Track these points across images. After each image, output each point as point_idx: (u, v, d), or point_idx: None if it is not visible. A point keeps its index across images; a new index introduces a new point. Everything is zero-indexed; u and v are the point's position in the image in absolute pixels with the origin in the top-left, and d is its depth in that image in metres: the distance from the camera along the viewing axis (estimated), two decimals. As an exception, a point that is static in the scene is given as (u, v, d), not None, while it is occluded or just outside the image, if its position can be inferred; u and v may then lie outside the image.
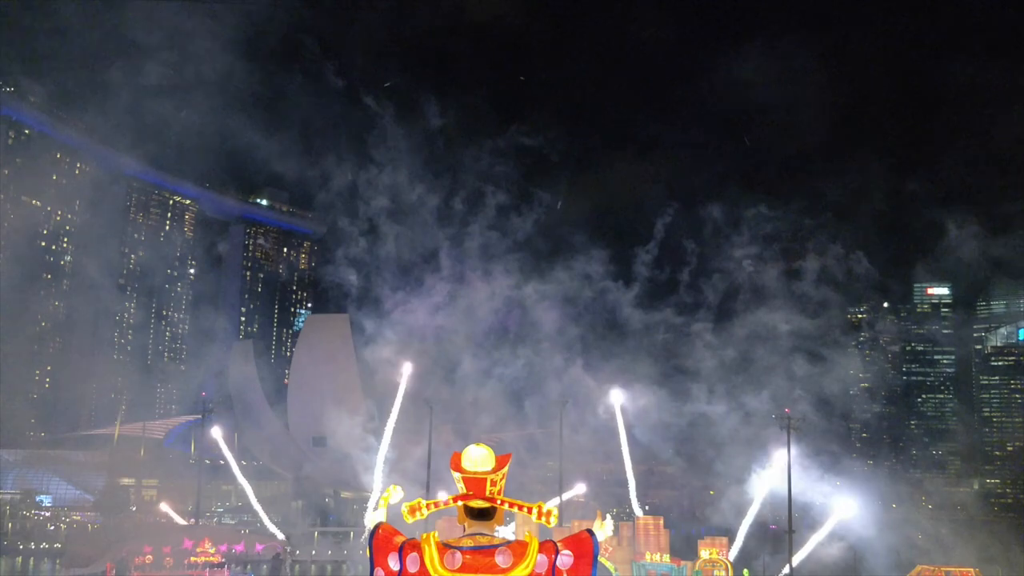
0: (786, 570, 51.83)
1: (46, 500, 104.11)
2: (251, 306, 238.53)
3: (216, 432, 72.72)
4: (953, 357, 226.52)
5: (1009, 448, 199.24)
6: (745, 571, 52.36)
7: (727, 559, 48.59)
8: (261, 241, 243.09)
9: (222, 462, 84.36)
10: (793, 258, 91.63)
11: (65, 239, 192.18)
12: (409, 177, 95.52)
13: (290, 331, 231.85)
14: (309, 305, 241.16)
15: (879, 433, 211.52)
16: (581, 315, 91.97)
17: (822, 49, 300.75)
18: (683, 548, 55.51)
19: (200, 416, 79.80)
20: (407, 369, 68.06)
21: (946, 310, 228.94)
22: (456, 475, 7.71)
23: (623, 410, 65.91)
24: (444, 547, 7.40)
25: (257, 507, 76.19)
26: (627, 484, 67.11)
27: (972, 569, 47.79)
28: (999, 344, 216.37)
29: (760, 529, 64.01)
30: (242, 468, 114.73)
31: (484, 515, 7.64)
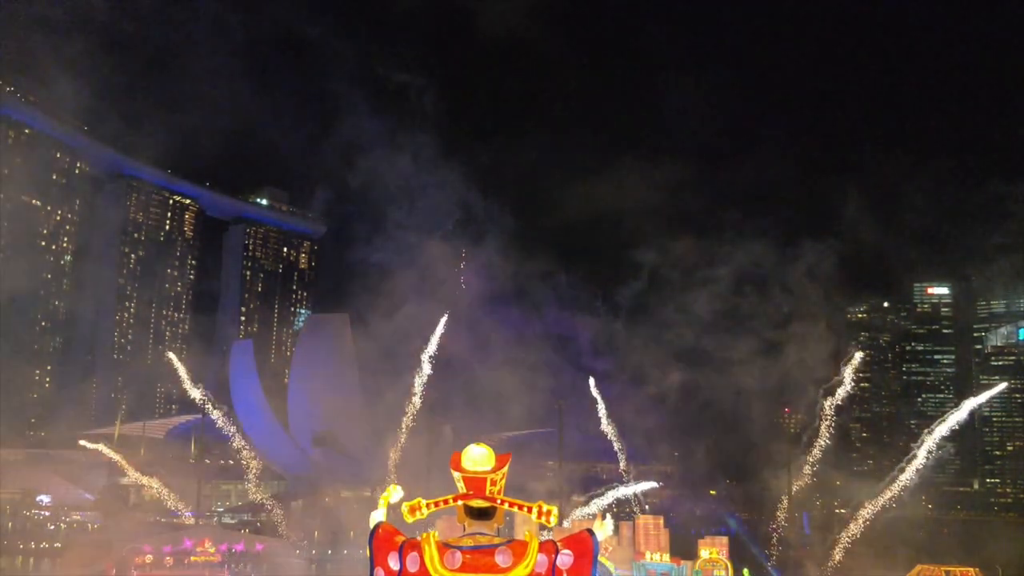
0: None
1: (46, 500, 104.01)
2: (251, 306, 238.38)
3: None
4: (953, 357, 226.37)
5: (1009, 448, 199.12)
6: (745, 571, 52.33)
7: (727, 559, 48.55)
8: (261, 241, 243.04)
9: (222, 462, 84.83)
10: (793, 259, 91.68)
11: (65, 239, 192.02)
12: (407, 182, 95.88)
13: (290, 331, 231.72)
14: (309, 305, 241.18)
15: (879, 433, 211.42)
16: (582, 317, 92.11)
17: (817, 52, 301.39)
18: (683, 548, 55.47)
19: (200, 416, 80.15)
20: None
21: (946, 310, 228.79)
22: (456, 475, 7.71)
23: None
24: (444, 547, 7.39)
25: None
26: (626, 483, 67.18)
27: (972, 569, 47.80)
28: (999, 344, 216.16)
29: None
30: (242, 468, 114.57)
31: (484, 515, 7.63)
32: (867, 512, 59.63)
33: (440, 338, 73.42)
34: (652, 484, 64.86)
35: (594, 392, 65.46)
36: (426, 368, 71.14)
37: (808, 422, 64.99)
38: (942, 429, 57.23)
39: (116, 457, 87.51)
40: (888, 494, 59.49)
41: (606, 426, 67.28)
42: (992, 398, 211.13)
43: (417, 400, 70.60)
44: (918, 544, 72.21)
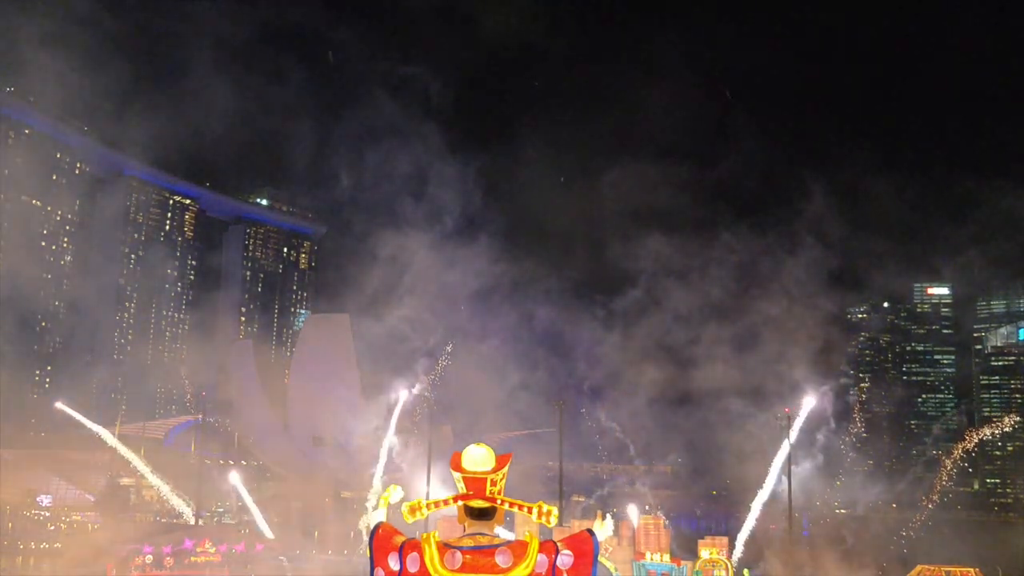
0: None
1: (46, 500, 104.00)
2: (251, 306, 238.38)
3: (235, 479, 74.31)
4: (953, 357, 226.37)
5: (1009, 448, 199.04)
6: (745, 571, 52.33)
7: (727, 559, 48.50)
8: (261, 241, 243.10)
9: (221, 462, 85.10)
10: (793, 257, 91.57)
11: (65, 239, 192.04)
12: (408, 182, 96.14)
13: (290, 331, 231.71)
14: (309, 305, 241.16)
15: (879, 433, 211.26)
16: (579, 314, 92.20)
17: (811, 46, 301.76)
18: (683, 548, 55.50)
19: (200, 416, 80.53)
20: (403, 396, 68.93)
21: (946, 310, 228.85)
22: (456, 475, 7.71)
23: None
24: (444, 547, 7.39)
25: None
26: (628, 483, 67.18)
27: (972, 569, 47.73)
28: (999, 344, 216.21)
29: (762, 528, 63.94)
30: (242, 468, 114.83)
31: (484, 515, 7.63)
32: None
33: (441, 333, 73.95)
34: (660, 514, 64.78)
35: (590, 416, 65.53)
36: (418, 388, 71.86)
37: (813, 426, 65.08)
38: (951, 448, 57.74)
39: (136, 461, 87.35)
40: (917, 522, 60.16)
41: (605, 423, 67.39)
42: (992, 398, 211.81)
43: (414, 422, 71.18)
44: (918, 544, 72.17)
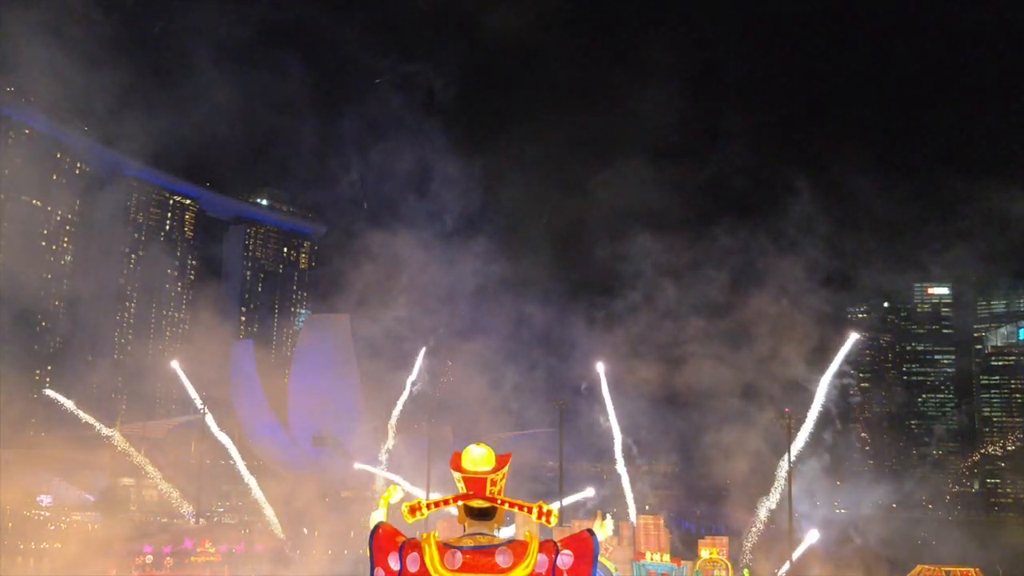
0: (786, 567, 51.80)
1: (46, 500, 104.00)
2: (251, 306, 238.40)
3: (211, 421, 74.49)
4: (953, 357, 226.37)
5: (1010, 448, 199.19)
6: (745, 571, 52.37)
7: (727, 559, 48.52)
8: (261, 241, 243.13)
9: (222, 462, 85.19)
10: (792, 257, 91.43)
11: (65, 239, 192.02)
12: (408, 181, 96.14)
13: (290, 331, 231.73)
14: (309, 305, 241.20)
15: (879, 433, 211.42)
16: (578, 314, 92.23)
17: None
18: (683, 548, 55.54)
19: (201, 416, 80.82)
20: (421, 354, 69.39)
21: (946, 310, 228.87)
22: (456, 475, 7.71)
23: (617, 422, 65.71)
24: (444, 547, 7.40)
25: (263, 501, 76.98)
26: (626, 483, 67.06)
27: (972, 569, 47.78)
28: (999, 344, 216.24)
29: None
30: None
31: (484, 515, 7.64)
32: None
33: (441, 333, 74.04)
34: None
35: (604, 388, 64.90)
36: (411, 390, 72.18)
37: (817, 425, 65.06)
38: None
39: (146, 465, 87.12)
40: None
41: (609, 418, 67.14)
42: (992, 398, 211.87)
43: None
44: (918, 544, 72.18)
